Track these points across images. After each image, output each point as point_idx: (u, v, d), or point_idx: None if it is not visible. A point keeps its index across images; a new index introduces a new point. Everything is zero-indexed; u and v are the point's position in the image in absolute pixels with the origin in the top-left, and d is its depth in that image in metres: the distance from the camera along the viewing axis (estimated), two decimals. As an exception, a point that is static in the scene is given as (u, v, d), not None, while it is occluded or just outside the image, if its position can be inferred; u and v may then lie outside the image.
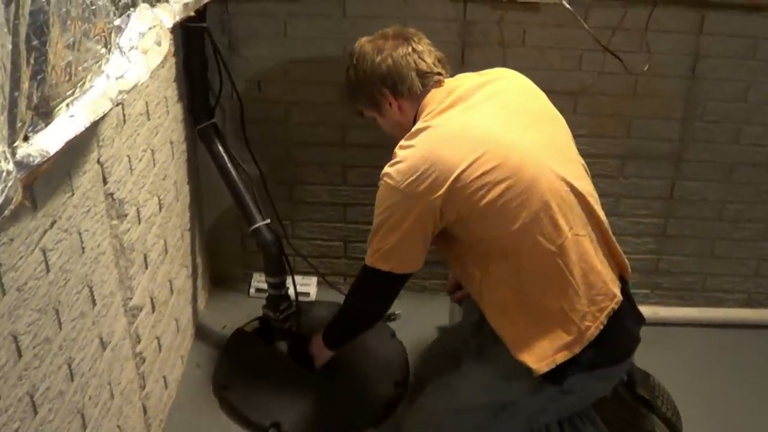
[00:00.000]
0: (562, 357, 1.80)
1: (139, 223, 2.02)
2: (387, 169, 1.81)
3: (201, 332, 2.76)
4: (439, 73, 1.94)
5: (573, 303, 1.80)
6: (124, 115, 1.85)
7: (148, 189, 2.09)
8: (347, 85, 2.04)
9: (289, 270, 2.56)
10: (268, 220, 2.49)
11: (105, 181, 1.76)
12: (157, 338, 2.23)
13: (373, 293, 2.06)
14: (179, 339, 2.49)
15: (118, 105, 1.47)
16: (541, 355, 1.81)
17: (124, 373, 1.94)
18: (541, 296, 1.82)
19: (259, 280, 2.98)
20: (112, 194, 1.80)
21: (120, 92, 1.41)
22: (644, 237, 2.85)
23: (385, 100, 1.96)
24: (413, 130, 1.84)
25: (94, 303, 1.70)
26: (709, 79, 2.56)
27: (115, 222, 1.84)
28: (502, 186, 1.73)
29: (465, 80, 1.95)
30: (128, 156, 1.91)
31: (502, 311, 1.86)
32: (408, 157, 1.77)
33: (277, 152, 2.77)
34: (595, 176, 1.97)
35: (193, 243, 2.66)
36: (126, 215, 1.89)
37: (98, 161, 1.71)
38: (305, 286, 2.98)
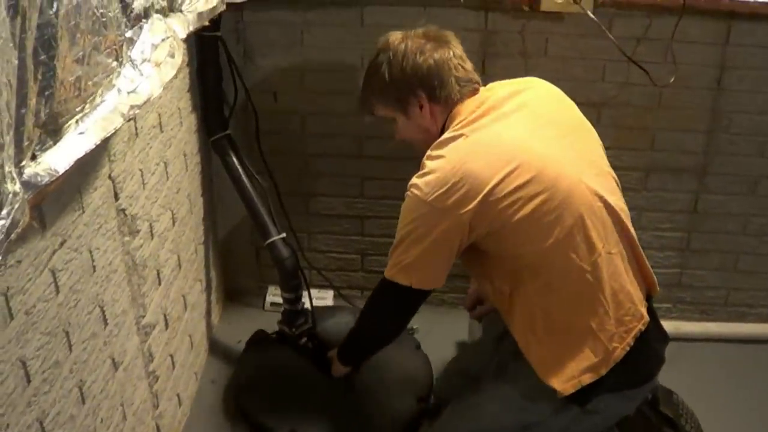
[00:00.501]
0: (588, 378, 1.73)
1: (152, 238, 1.95)
2: (415, 180, 1.72)
3: (215, 347, 2.69)
4: (477, 82, 1.86)
5: (602, 323, 1.72)
6: (136, 128, 1.78)
7: (161, 203, 2.02)
8: (375, 80, 1.87)
9: (305, 285, 2.49)
10: (284, 234, 2.42)
11: (117, 197, 1.69)
12: (171, 355, 2.16)
13: (390, 309, 1.97)
14: (193, 355, 2.43)
15: (129, 121, 1.40)
16: (568, 376, 1.74)
17: (137, 393, 1.87)
18: (571, 314, 1.75)
19: (274, 294, 2.91)
20: (123, 210, 1.74)
21: (132, 107, 1.35)
22: (667, 251, 2.77)
23: (416, 102, 1.84)
24: (443, 138, 1.75)
25: (105, 323, 1.64)
26: (735, 91, 2.47)
27: (127, 238, 1.78)
28: (537, 200, 1.64)
29: (496, 89, 1.86)
30: (140, 170, 1.84)
31: (531, 329, 1.78)
32: (437, 168, 1.68)
33: (293, 164, 2.71)
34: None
35: (207, 256, 2.59)
36: (138, 231, 1.83)
37: (110, 176, 1.64)
38: (321, 300, 2.91)
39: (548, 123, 1.78)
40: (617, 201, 1.78)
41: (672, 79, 2.38)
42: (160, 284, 2.03)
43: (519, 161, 1.65)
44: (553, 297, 1.74)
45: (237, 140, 2.50)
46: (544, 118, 1.78)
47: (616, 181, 1.84)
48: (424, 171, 1.71)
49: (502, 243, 1.73)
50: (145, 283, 1.89)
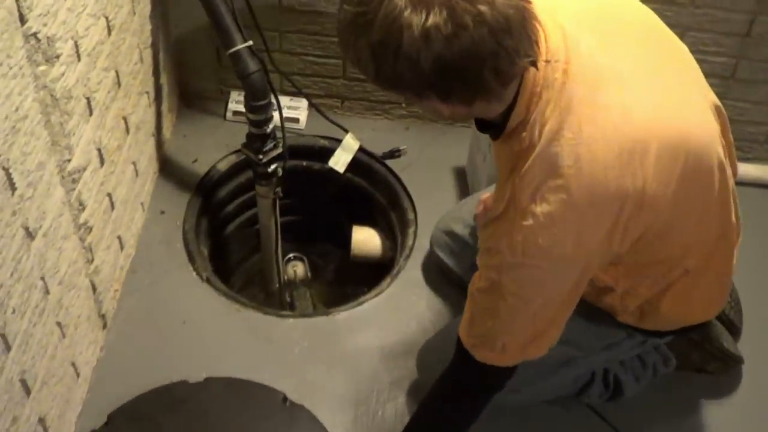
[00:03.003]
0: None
1: (79, 59, 1.58)
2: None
3: (166, 169, 2.37)
4: None
5: None
6: None
7: (91, 11, 1.63)
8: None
9: (276, 102, 2.12)
10: (251, 42, 2.02)
11: (23, 20, 1.31)
12: (109, 195, 1.86)
13: (482, 395, 1.51)
14: (138, 184, 2.12)
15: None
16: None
17: (63, 256, 1.58)
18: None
19: (237, 101, 2.57)
20: (35, 34, 1.36)
21: None
22: (709, 78, 2.40)
23: None
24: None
25: (13, 188, 1.31)
26: None
27: (42, 68, 1.41)
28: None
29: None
30: (58, -28, 1.44)
31: None
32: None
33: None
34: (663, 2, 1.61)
35: (156, 61, 2.21)
36: (58, 56, 1.46)
37: (10, -8, 1.25)
38: (294, 111, 2.57)
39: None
40: None
41: None
42: (91, 114, 1.68)
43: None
44: None
45: None
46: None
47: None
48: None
49: None
50: (70, 119, 1.55)
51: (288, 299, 2.57)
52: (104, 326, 1.92)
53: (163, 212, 2.25)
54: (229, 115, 2.57)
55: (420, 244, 2.23)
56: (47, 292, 1.51)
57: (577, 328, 1.54)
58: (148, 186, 2.24)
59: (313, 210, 2.72)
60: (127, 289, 2.04)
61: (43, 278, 1.48)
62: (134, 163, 2.06)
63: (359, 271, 2.60)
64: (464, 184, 2.41)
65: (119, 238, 1.97)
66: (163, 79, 2.31)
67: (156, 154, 2.30)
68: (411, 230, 2.29)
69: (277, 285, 2.49)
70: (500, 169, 1.32)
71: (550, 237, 1.19)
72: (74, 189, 1.62)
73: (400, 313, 2.06)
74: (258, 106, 2.05)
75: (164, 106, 2.35)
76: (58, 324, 1.59)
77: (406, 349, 1.96)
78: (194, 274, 2.11)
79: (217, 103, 2.60)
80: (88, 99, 1.65)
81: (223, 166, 2.41)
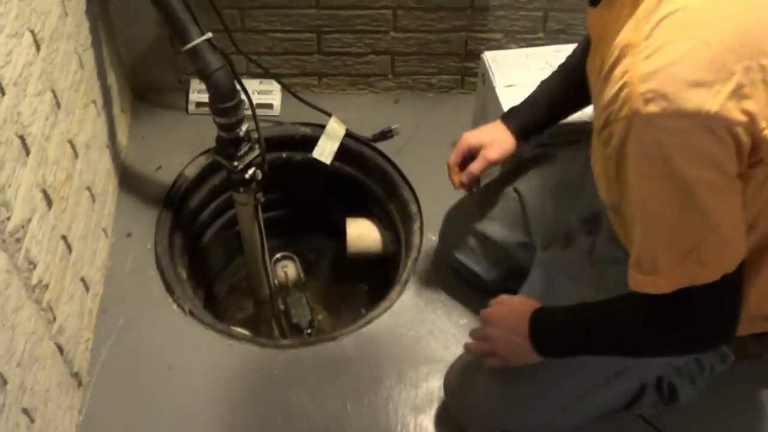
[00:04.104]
0: None
1: (3, 94, 1.32)
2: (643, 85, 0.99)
3: (128, 181, 2.12)
4: None
5: None
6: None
7: (10, 31, 1.36)
8: None
9: (246, 98, 1.85)
10: (210, 34, 1.75)
11: None
12: (63, 237, 1.61)
13: (686, 329, 1.22)
14: (97, 209, 1.87)
15: None
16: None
17: (18, 332, 1.35)
18: None
19: (200, 90, 2.31)
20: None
21: None
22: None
23: None
24: None
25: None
26: None
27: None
28: None
29: None
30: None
31: None
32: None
33: None
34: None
35: (100, 61, 1.94)
36: (-25, 100, 1.21)
37: None
38: (265, 96, 2.32)
39: None
40: None
41: None
42: (28, 154, 1.43)
43: None
44: None
45: None
46: None
47: None
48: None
49: None
50: (2, 170, 1.30)
51: (282, 307, 2.35)
52: (79, 384, 1.70)
53: (129, 234, 2.00)
54: (191, 107, 2.31)
55: (427, 242, 2.00)
56: (5, 382, 1.28)
57: None
58: (109, 207, 1.99)
59: (299, 203, 2.48)
60: (100, 334, 1.80)
61: (-6, 371, 1.25)
62: (89, 188, 1.81)
63: (358, 265, 2.39)
64: (469, 162, 2.18)
65: (83, 279, 1.74)
66: (111, 79, 2.05)
67: (113, 167, 2.04)
68: (416, 226, 2.05)
69: (268, 292, 2.27)
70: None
71: (680, 68, 0.96)
72: (20, 249, 1.38)
73: (415, 328, 1.85)
74: (226, 108, 1.78)
75: (115, 109, 2.09)
76: (24, 410, 1.37)
77: (428, 371, 1.76)
78: (175, 306, 1.87)
79: (176, 94, 2.34)
80: (21, 137, 1.39)
81: (191, 171, 2.15)
